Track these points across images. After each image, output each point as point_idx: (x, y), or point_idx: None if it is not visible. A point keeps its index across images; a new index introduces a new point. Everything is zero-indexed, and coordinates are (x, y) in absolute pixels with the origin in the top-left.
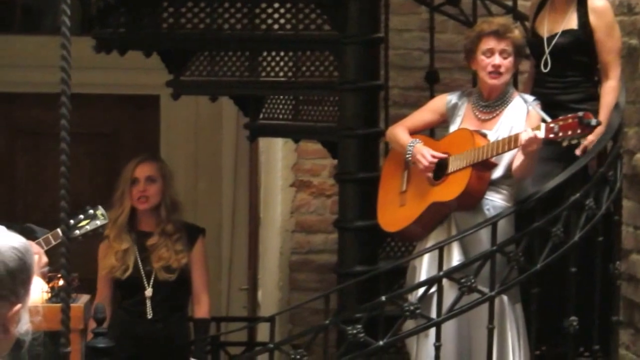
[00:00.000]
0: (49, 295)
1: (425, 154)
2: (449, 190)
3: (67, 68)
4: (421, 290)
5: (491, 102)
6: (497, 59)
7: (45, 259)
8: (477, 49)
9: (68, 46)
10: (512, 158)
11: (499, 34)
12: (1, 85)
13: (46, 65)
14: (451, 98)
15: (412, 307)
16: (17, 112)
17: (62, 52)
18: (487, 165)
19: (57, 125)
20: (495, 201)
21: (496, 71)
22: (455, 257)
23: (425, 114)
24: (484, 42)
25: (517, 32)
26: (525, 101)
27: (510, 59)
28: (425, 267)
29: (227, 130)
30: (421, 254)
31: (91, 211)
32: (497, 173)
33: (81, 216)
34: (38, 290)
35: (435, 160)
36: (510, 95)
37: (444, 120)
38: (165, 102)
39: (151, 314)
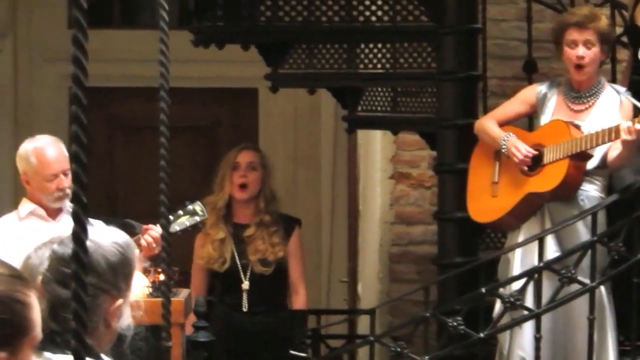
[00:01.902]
0: (150, 289)
1: (519, 147)
2: (546, 181)
3: (165, 62)
4: (521, 282)
5: (582, 93)
6: (580, 50)
7: (156, 250)
8: (562, 40)
9: (166, 40)
10: (607, 149)
11: (582, 25)
12: (100, 80)
13: (144, 59)
14: (541, 88)
15: (512, 299)
16: (116, 106)
17: (160, 46)
18: (583, 156)
19: (155, 119)
20: (590, 192)
21: (580, 63)
22: (551, 249)
23: (515, 105)
24: (568, 33)
25: (602, 21)
26: (618, 92)
27: (594, 49)
28: (518, 259)
29: (326, 122)
30: (520, 245)
31: (190, 206)
32: (592, 164)
33: (180, 211)
34: (139, 285)
35: (530, 154)
36: (601, 86)
37: (534, 110)
38: (263, 95)
39: (247, 307)
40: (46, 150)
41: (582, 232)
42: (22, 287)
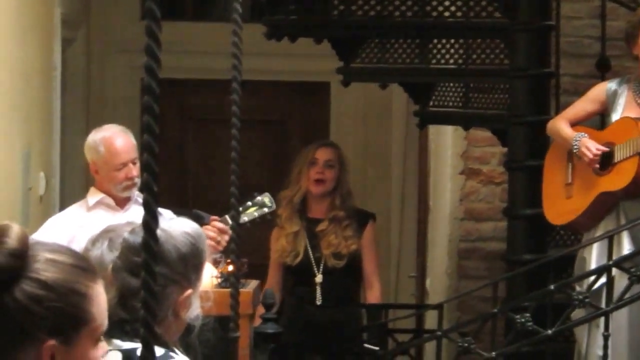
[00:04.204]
0: (219, 280)
1: (590, 147)
2: (617, 179)
3: (238, 55)
4: (590, 280)
5: None
6: None
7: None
8: (638, 33)
9: (239, 33)
10: None
11: None
12: (173, 72)
13: (217, 52)
14: (611, 86)
15: (581, 296)
16: (189, 98)
17: (234, 39)
18: None
19: (227, 111)
20: None
21: None
22: (626, 247)
23: (586, 104)
24: None
25: None
26: None
27: None
28: (594, 258)
29: (397, 117)
30: (590, 243)
31: (259, 198)
32: None
33: (249, 203)
34: (208, 276)
35: (600, 152)
36: None
37: (605, 108)
38: (335, 89)
39: (321, 301)
40: (115, 140)
41: None
42: (84, 278)
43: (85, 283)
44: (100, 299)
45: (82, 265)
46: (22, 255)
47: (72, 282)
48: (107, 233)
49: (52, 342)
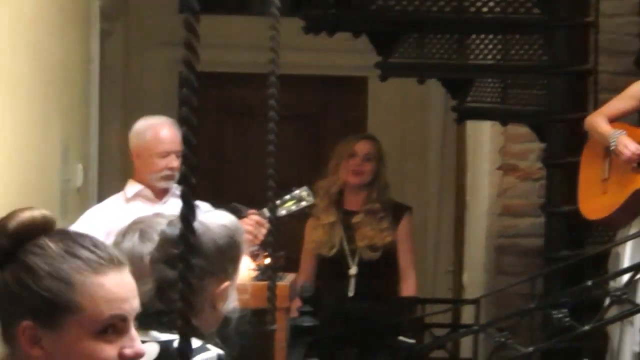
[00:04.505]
0: (256, 273)
1: (628, 145)
2: None
3: (276, 48)
4: (626, 277)
5: None
6: None
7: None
8: None
9: (277, 27)
10: None
11: None
12: (210, 65)
13: (255, 45)
14: None
15: (618, 293)
16: (225, 92)
17: (272, 33)
18: None
19: (265, 105)
20: None
21: None
22: None
23: (624, 101)
24: None
25: None
26: None
27: None
28: (628, 254)
29: (435, 112)
30: (626, 240)
31: (297, 192)
32: None
33: (287, 196)
34: (245, 268)
35: (639, 152)
36: None
37: None
38: (373, 84)
39: (354, 293)
40: (162, 128)
41: None
42: (75, 267)
43: (74, 272)
44: (95, 290)
45: (80, 254)
46: (16, 238)
47: (56, 269)
48: (137, 224)
49: (27, 322)
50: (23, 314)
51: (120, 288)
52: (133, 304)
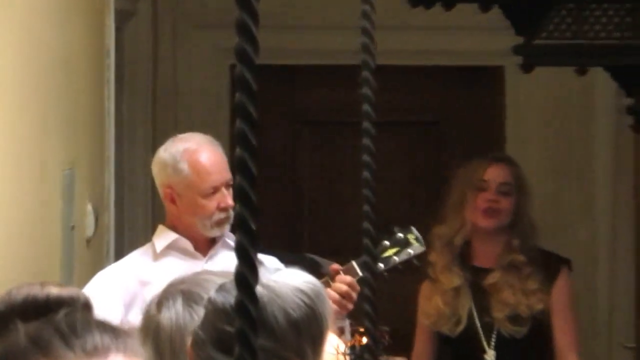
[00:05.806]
0: (347, 357)
1: None
2: None
3: (369, 28)
4: None
5: None
6: None
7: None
8: None
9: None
10: None
11: None
12: (277, 56)
13: (339, 26)
14: None
15: None
16: (300, 93)
17: (364, 7)
18: None
19: (356, 111)
20: None
21: None
22: None
23: None
24: None
25: None
26: None
27: None
28: None
29: (601, 115)
30: None
31: (400, 234)
32: None
33: (387, 242)
34: (331, 351)
35: None
36: None
37: None
38: (511, 76)
39: None
40: (202, 154)
41: None
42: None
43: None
44: None
45: (44, 337)
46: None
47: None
48: (175, 286)
49: None
50: None
51: None
52: None
